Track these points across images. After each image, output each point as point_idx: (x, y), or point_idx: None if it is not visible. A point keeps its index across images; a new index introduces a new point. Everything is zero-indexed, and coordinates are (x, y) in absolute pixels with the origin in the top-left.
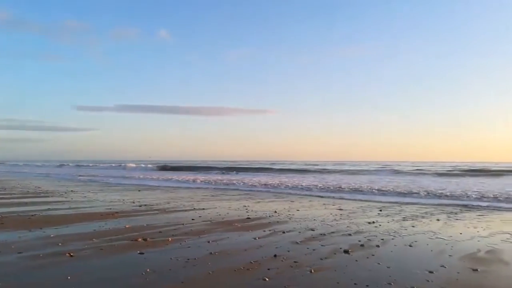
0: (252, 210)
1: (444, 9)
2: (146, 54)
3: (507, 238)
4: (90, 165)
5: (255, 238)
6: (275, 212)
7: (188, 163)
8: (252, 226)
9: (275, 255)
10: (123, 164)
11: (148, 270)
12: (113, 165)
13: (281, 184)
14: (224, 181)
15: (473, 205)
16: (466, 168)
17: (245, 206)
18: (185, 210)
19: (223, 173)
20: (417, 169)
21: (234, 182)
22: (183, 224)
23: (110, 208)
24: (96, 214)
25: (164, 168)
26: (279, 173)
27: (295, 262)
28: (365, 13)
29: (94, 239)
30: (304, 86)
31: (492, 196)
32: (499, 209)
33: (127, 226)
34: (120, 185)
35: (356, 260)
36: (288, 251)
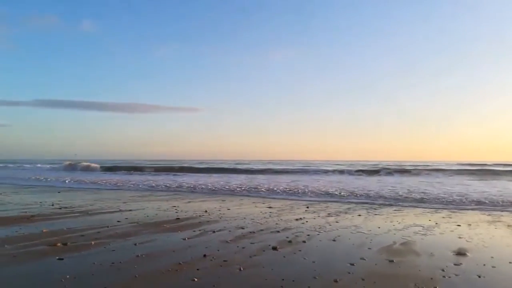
0: (182, 211)
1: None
2: (68, 46)
3: (419, 231)
4: (1, 165)
5: (184, 239)
6: (206, 211)
7: (115, 163)
8: (182, 227)
9: (204, 255)
10: (38, 165)
11: (67, 276)
12: (27, 165)
13: (211, 183)
14: (153, 181)
15: (389, 202)
16: (381, 166)
17: (174, 206)
18: (111, 212)
19: (150, 173)
20: (343, 168)
21: (164, 182)
22: (107, 227)
23: (26, 212)
24: (9, 218)
25: (88, 168)
26: (209, 172)
27: (224, 261)
28: (289, 15)
29: (6, 246)
30: (233, 84)
31: (406, 191)
32: (412, 205)
33: (44, 231)
34: (37, 186)
35: (284, 256)
36: (218, 250)
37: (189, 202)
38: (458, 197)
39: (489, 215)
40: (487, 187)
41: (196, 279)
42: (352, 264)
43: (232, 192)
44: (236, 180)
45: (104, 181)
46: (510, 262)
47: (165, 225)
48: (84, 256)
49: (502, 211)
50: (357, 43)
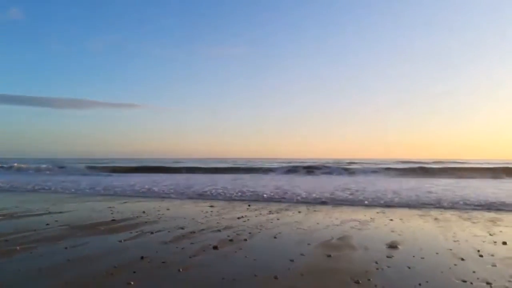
0: (118, 212)
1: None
2: None
3: (355, 226)
4: None
5: (120, 241)
6: (144, 212)
7: (47, 161)
8: (118, 228)
9: (142, 257)
10: None
11: None
12: None
13: (150, 183)
14: (88, 181)
15: (330, 199)
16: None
17: (110, 207)
18: (39, 215)
19: (84, 174)
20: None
21: (100, 181)
22: (35, 230)
23: None
24: None
25: (12, 167)
26: (149, 172)
27: (163, 262)
28: (237, 14)
29: None
30: (175, 81)
31: (344, 189)
32: (347, 203)
33: None
34: None
35: (225, 255)
36: (156, 252)
37: (126, 202)
38: (393, 194)
39: (420, 209)
40: (419, 184)
41: (132, 283)
42: (292, 260)
43: (170, 192)
44: (174, 180)
45: (33, 182)
46: (437, 253)
47: (99, 227)
48: (8, 263)
49: (431, 208)
50: (309, 42)
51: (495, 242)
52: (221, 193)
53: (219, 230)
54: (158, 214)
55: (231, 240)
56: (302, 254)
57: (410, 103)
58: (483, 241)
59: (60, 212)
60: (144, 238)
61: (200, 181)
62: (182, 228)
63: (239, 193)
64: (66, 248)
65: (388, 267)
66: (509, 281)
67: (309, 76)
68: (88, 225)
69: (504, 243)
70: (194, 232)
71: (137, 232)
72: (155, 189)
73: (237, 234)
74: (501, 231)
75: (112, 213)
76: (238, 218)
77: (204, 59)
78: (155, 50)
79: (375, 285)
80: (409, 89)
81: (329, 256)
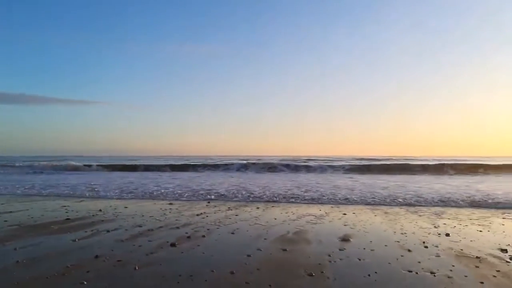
0: (73, 210)
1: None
2: None
3: (311, 220)
4: None
5: (74, 240)
6: (100, 210)
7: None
8: (72, 228)
9: (96, 256)
10: None
11: None
12: None
13: (106, 181)
14: (43, 179)
15: (287, 195)
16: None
17: (64, 206)
18: None
19: (41, 172)
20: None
21: (55, 179)
22: None
23: None
24: None
25: None
26: (105, 170)
27: (118, 261)
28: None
29: None
30: (142, 78)
31: (300, 186)
32: (303, 199)
33: None
34: None
35: (182, 252)
36: (112, 250)
37: (82, 201)
38: (348, 190)
39: (372, 204)
40: (373, 180)
41: (85, 282)
42: (249, 255)
43: (129, 190)
44: (131, 178)
45: None
46: (385, 245)
47: (52, 227)
48: None
49: (382, 203)
50: (272, 42)
51: (439, 234)
52: (180, 191)
53: (177, 227)
54: (116, 213)
55: (189, 237)
56: (259, 249)
57: (367, 102)
58: (428, 233)
59: (10, 212)
60: (100, 237)
61: (160, 180)
62: (140, 226)
63: (198, 191)
64: (15, 249)
65: (340, 259)
66: (451, 270)
67: (268, 73)
68: (40, 225)
69: (447, 234)
70: (152, 230)
71: (92, 231)
72: (113, 187)
73: (195, 231)
74: (444, 224)
75: (66, 212)
76: (197, 215)
77: (173, 56)
78: (117, 47)
79: (328, 277)
80: (366, 89)
81: (284, 250)
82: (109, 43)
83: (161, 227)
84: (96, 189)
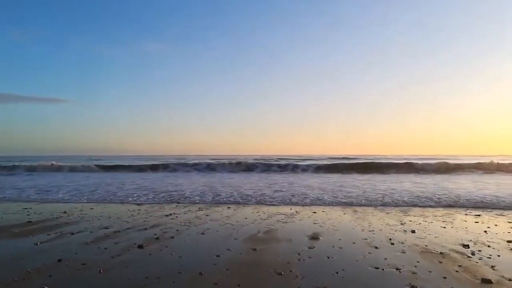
0: (35, 212)
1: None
2: None
3: (281, 219)
4: None
5: (36, 244)
6: (65, 212)
7: None
8: (34, 230)
9: (59, 260)
10: None
11: None
12: None
13: (70, 181)
14: (2, 180)
15: (258, 195)
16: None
17: (26, 208)
18: None
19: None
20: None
21: (13, 181)
22: None
23: None
24: None
25: None
26: (68, 171)
27: (82, 264)
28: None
29: None
30: (104, 76)
31: (270, 185)
32: (275, 198)
33: None
34: None
35: (150, 254)
36: (76, 254)
37: (45, 203)
38: (319, 190)
39: (341, 202)
40: (343, 178)
41: (47, 287)
42: (218, 256)
43: (95, 191)
44: (98, 179)
45: None
46: (354, 243)
47: (13, 230)
48: None
49: (352, 201)
50: (225, 41)
51: (405, 231)
52: (147, 191)
53: (145, 229)
54: (81, 214)
55: (157, 238)
56: (228, 249)
57: (348, 102)
58: (395, 230)
59: None
60: (63, 240)
61: (128, 180)
62: (106, 228)
63: (169, 191)
64: None
65: (309, 257)
66: (416, 266)
67: (250, 72)
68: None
69: (413, 231)
70: (118, 232)
71: (55, 233)
72: (80, 188)
73: (164, 232)
74: (410, 221)
75: (28, 215)
76: (166, 216)
77: (137, 54)
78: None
79: (296, 276)
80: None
81: (254, 249)
82: (78, 41)
83: (128, 228)
84: (56, 191)
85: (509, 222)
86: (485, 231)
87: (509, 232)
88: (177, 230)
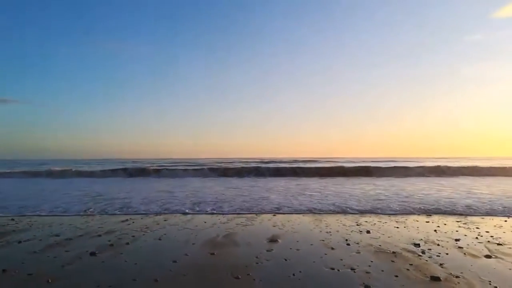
0: None
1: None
2: None
3: (241, 222)
4: None
5: None
6: (12, 219)
7: None
8: None
9: (4, 270)
10: None
11: None
12: None
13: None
14: None
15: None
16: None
17: None
18: None
19: None
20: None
21: None
22: None
23: None
24: None
25: None
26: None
27: (29, 274)
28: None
29: None
30: (62, 76)
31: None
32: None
33: None
34: None
35: (103, 262)
36: (23, 263)
37: None
38: (279, 192)
39: (301, 202)
40: (297, 181)
41: None
42: (175, 261)
43: (42, 197)
44: (44, 184)
45: None
46: (311, 244)
47: None
48: None
49: (311, 202)
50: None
51: (360, 231)
52: (102, 196)
53: (99, 235)
54: (30, 221)
55: (111, 245)
56: (186, 254)
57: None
58: (351, 231)
59: None
60: (10, 249)
61: (80, 185)
62: (57, 235)
63: (121, 196)
64: None
65: (267, 260)
66: (369, 265)
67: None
68: None
69: (368, 231)
70: (70, 239)
71: (1, 242)
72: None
73: (119, 238)
74: (366, 221)
75: None
76: (122, 221)
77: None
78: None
79: (254, 279)
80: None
81: (212, 254)
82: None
83: (81, 235)
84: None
85: (457, 222)
86: (435, 231)
87: (457, 231)
88: (133, 236)
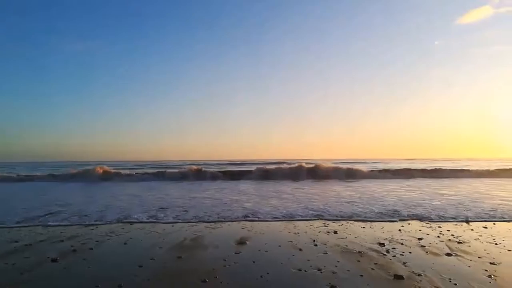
0: None
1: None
2: None
3: (210, 225)
4: None
5: None
6: None
7: None
8: None
9: None
10: None
11: None
12: None
13: None
14: None
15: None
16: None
17: None
18: None
19: None
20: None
21: None
22: None
23: None
24: None
25: None
26: None
27: None
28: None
29: None
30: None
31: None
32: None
33: None
34: None
35: (65, 268)
36: None
37: None
38: (251, 194)
39: (269, 204)
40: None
41: None
42: (141, 266)
43: None
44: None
45: None
46: (279, 246)
47: None
48: None
49: (279, 203)
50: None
51: (328, 232)
52: (63, 200)
53: (61, 241)
54: None
55: (74, 251)
56: (152, 259)
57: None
58: (319, 232)
59: None
60: None
61: (35, 187)
62: (16, 242)
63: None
64: None
65: (235, 263)
66: (336, 266)
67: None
68: None
69: (335, 232)
70: (30, 245)
71: None
72: None
73: (83, 244)
74: (333, 222)
75: None
76: (86, 225)
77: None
78: None
79: (221, 282)
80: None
81: (179, 257)
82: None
83: (42, 241)
84: None
85: (421, 221)
86: (399, 230)
87: (420, 230)
88: (97, 241)
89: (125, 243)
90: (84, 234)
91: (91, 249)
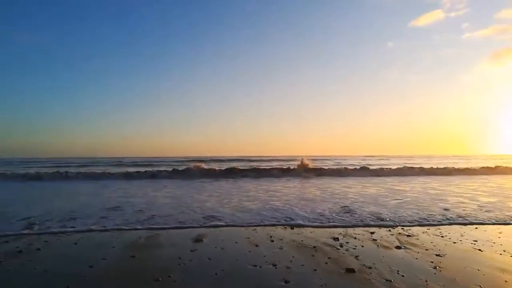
0: None
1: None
2: None
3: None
4: None
5: None
6: None
7: None
8: None
9: None
10: None
11: None
12: None
13: None
14: None
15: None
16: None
17: None
18: None
19: None
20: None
21: None
22: None
23: None
24: None
25: None
26: None
27: None
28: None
29: None
30: None
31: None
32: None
33: None
34: None
35: (8, 270)
36: None
37: None
38: (210, 191)
39: (227, 202)
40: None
41: None
42: (91, 266)
43: None
44: None
45: None
46: (236, 242)
47: None
48: None
49: (235, 200)
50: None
51: (285, 227)
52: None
53: (6, 242)
54: None
55: (20, 252)
56: (104, 258)
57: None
58: (276, 227)
59: None
60: None
61: None
62: None
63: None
64: None
65: (190, 261)
66: (291, 261)
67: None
68: None
69: (292, 227)
70: None
71: None
72: None
73: (29, 244)
74: (290, 217)
75: None
76: (33, 224)
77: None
78: None
79: (174, 281)
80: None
81: (133, 257)
82: None
83: None
84: None
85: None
86: (354, 225)
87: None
88: (46, 241)
89: (75, 243)
90: (32, 233)
91: (39, 249)
